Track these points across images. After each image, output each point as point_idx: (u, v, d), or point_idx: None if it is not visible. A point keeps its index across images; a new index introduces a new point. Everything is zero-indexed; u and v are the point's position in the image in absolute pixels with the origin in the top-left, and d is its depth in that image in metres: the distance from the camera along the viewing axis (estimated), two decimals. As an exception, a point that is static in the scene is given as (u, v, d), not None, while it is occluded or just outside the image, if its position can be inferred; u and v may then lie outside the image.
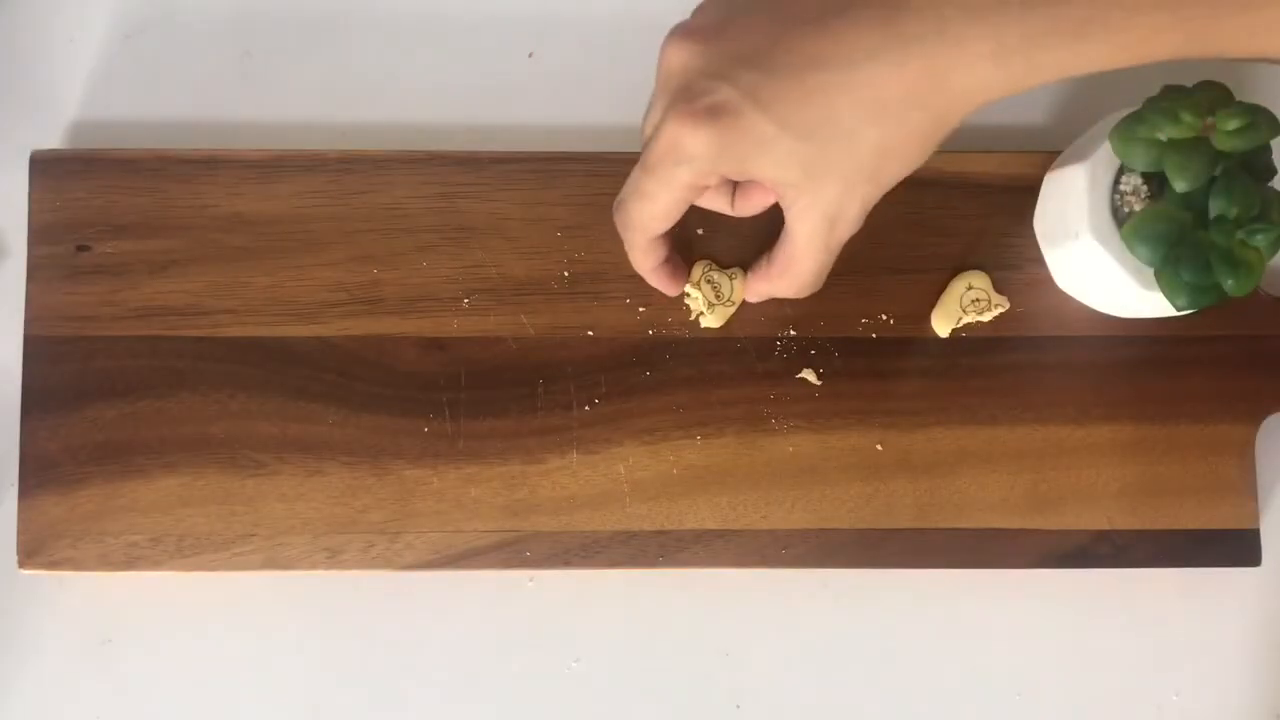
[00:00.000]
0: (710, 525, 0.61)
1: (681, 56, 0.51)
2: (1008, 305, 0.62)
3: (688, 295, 0.62)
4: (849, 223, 0.53)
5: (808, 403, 0.62)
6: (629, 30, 0.66)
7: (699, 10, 0.53)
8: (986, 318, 0.62)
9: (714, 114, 0.50)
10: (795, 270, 0.55)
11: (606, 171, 0.63)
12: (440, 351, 0.62)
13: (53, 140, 0.64)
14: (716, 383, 0.62)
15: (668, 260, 0.59)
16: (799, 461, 0.61)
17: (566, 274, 0.62)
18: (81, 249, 0.62)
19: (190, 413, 0.61)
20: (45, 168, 0.62)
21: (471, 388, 0.61)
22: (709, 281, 0.61)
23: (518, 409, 0.61)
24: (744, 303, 0.62)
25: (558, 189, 0.63)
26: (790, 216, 0.53)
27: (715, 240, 0.63)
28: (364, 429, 0.61)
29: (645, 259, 0.58)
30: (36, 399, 0.61)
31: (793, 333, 0.62)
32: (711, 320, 0.62)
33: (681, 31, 0.52)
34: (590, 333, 0.62)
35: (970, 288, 0.62)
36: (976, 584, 0.63)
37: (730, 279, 0.61)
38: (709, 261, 0.62)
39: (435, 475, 0.61)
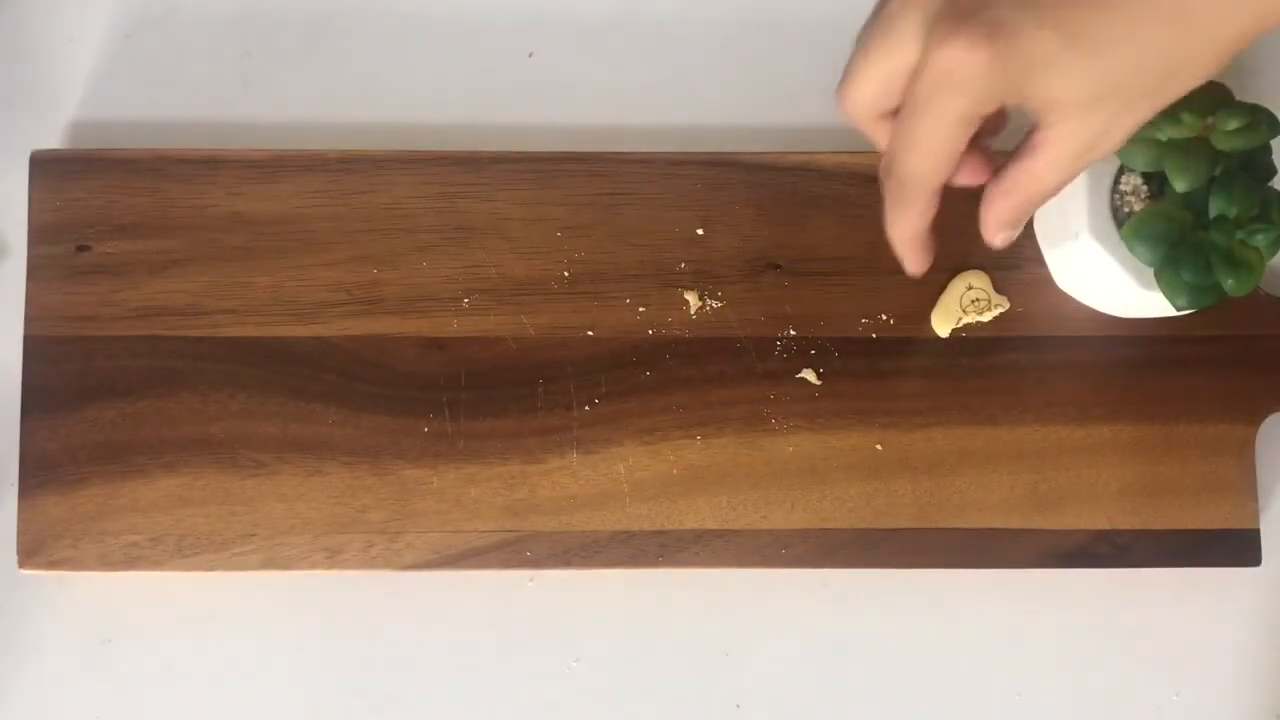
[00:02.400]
0: (710, 525, 0.61)
1: None
2: (1008, 305, 0.62)
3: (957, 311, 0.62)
4: (1110, 146, 0.48)
5: (808, 403, 0.62)
6: (629, 30, 0.66)
7: None
8: (986, 318, 0.62)
9: (993, 34, 0.44)
10: (1030, 188, 0.49)
11: (606, 171, 0.63)
12: (440, 351, 0.62)
13: (53, 140, 0.64)
14: (716, 383, 0.62)
15: (930, 229, 0.51)
16: (799, 461, 0.61)
17: (566, 274, 0.62)
18: (81, 249, 0.62)
19: (190, 413, 0.61)
20: (45, 168, 0.62)
21: (471, 388, 0.61)
22: (975, 300, 0.62)
23: (518, 409, 0.61)
24: (740, 300, 0.62)
25: (558, 189, 0.63)
26: (1048, 136, 0.47)
27: (716, 238, 0.63)
28: (364, 429, 0.61)
29: (919, 219, 0.51)
30: (36, 399, 0.61)
31: (793, 333, 0.62)
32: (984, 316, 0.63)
33: None
34: (590, 333, 0.62)
35: (970, 288, 0.62)
36: (976, 584, 0.63)
37: (985, 288, 0.62)
38: (966, 279, 0.62)
39: (435, 475, 0.61)
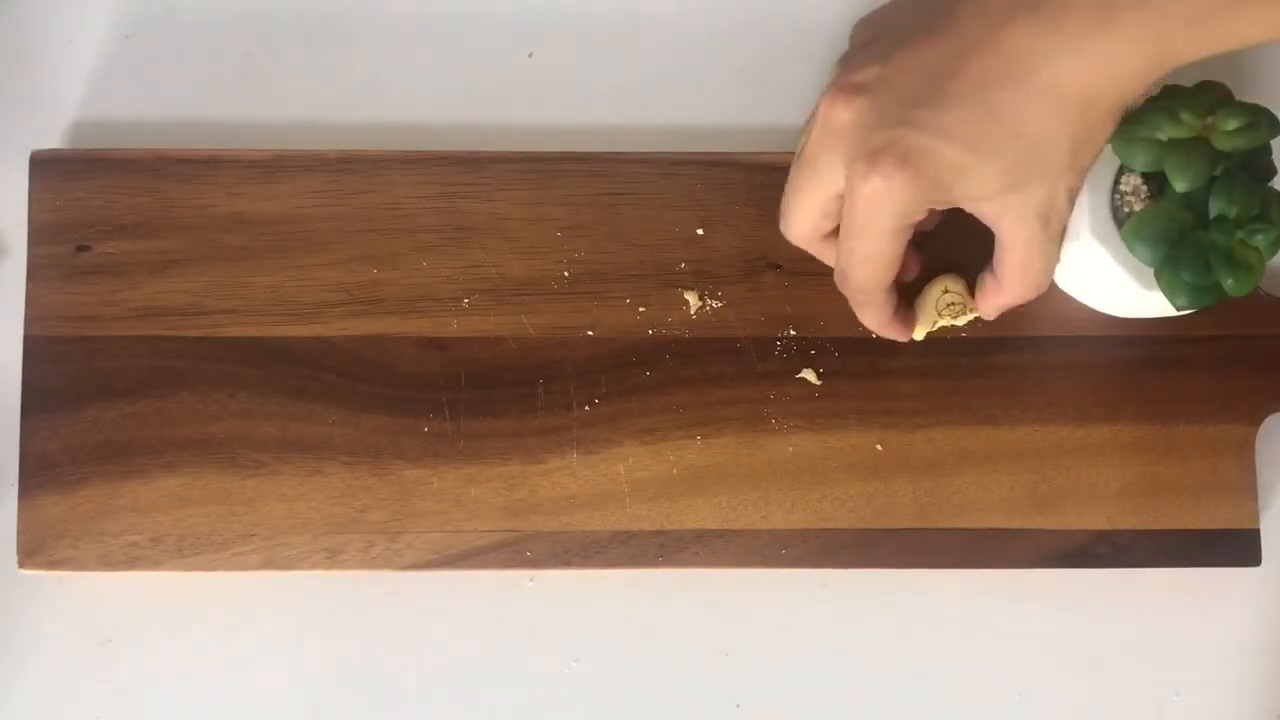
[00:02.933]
0: (710, 525, 0.61)
1: (849, 115, 0.53)
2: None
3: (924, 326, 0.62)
4: (1061, 215, 0.54)
5: (808, 403, 0.62)
6: (629, 30, 0.66)
7: (848, 65, 0.55)
8: (961, 322, 0.61)
9: (904, 161, 0.51)
10: (1026, 275, 0.55)
11: (606, 171, 0.63)
12: (440, 351, 0.62)
13: (53, 140, 0.64)
14: (716, 383, 0.62)
15: (898, 309, 0.59)
16: (799, 461, 0.61)
17: (566, 274, 0.62)
18: (81, 249, 0.62)
19: (190, 413, 0.61)
20: (45, 168, 0.62)
21: (471, 388, 0.61)
22: (951, 304, 0.61)
23: (518, 409, 0.61)
24: (740, 300, 0.62)
25: (558, 189, 0.63)
26: (1003, 228, 0.54)
27: (716, 238, 0.63)
28: (364, 429, 0.61)
29: (881, 313, 0.58)
30: (36, 399, 0.61)
31: (793, 333, 0.62)
32: (959, 321, 0.62)
33: (842, 90, 0.53)
34: (590, 333, 0.62)
35: (946, 291, 0.61)
36: (977, 584, 0.63)
37: (960, 292, 0.61)
38: (941, 283, 0.61)
39: (435, 475, 0.61)
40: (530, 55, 0.66)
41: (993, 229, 0.54)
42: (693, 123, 0.65)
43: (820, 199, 0.55)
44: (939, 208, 0.53)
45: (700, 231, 0.63)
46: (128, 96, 0.65)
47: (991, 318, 0.60)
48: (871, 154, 0.52)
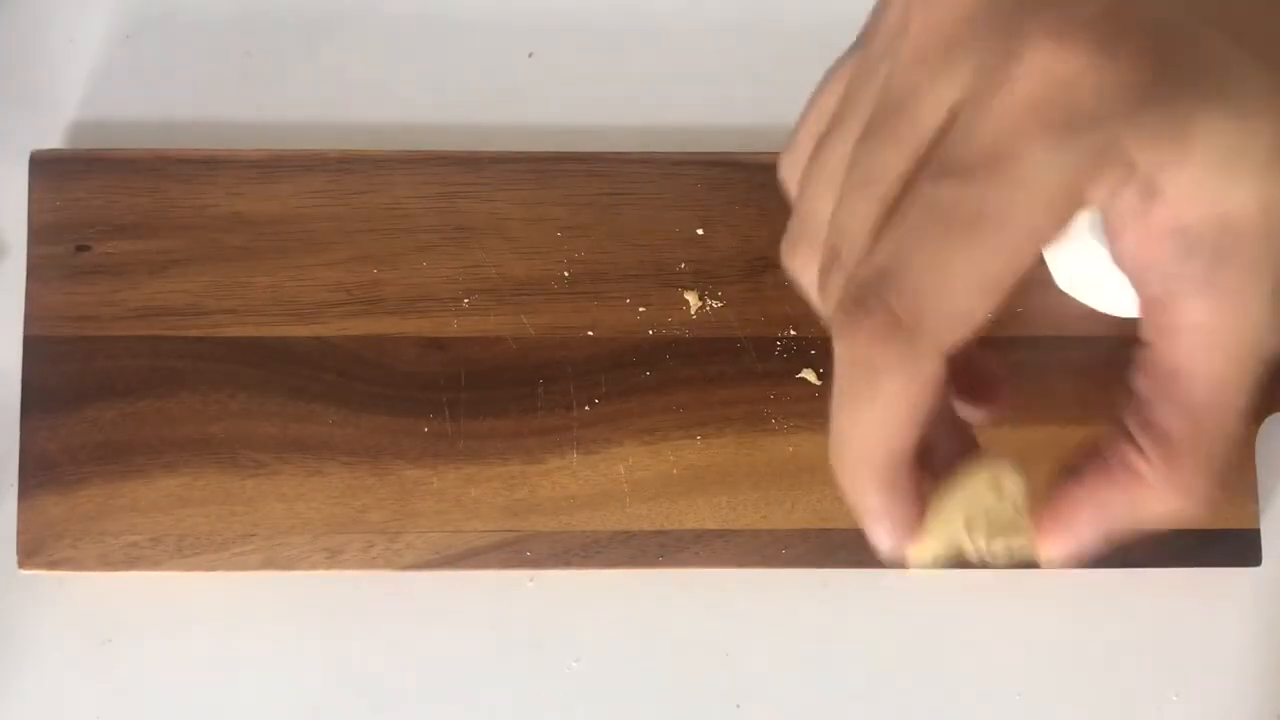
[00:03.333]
0: (710, 525, 0.61)
1: None
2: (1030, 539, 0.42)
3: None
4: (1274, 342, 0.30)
5: (808, 403, 0.62)
6: (629, 30, 0.66)
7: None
8: (999, 553, 0.38)
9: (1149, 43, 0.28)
10: (1198, 450, 0.31)
11: (606, 171, 0.63)
12: (440, 351, 0.62)
13: (52, 140, 0.64)
14: (717, 383, 0.62)
15: (912, 495, 0.34)
16: (799, 461, 0.61)
17: (566, 274, 0.62)
18: (81, 249, 0.62)
19: (190, 413, 0.61)
20: (45, 167, 0.62)
21: (471, 388, 0.61)
22: (998, 520, 0.35)
23: (518, 409, 0.61)
24: (740, 300, 0.62)
25: (558, 189, 0.63)
26: (1178, 346, 0.31)
27: (716, 238, 0.63)
28: (364, 429, 0.61)
29: (892, 496, 0.34)
30: (36, 399, 0.60)
31: (793, 333, 0.62)
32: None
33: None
34: (590, 333, 0.62)
35: (996, 489, 0.38)
36: (976, 584, 0.63)
37: (1019, 496, 0.36)
38: (990, 475, 0.36)
39: (435, 475, 0.61)
40: (530, 55, 0.66)
41: (1153, 352, 0.32)
42: (693, 123, 0.65)
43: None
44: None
45: (700, 231, 0.63)
46: (128, 96, 0.65)
47: (1063, 556, 0.34)
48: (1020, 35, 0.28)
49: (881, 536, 0.34)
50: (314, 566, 0.60)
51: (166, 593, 0.62)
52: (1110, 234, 0.31)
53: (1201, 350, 0.30)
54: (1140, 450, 0.32)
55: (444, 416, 0.61)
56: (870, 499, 0.33)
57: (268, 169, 0.62)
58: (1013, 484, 0.36)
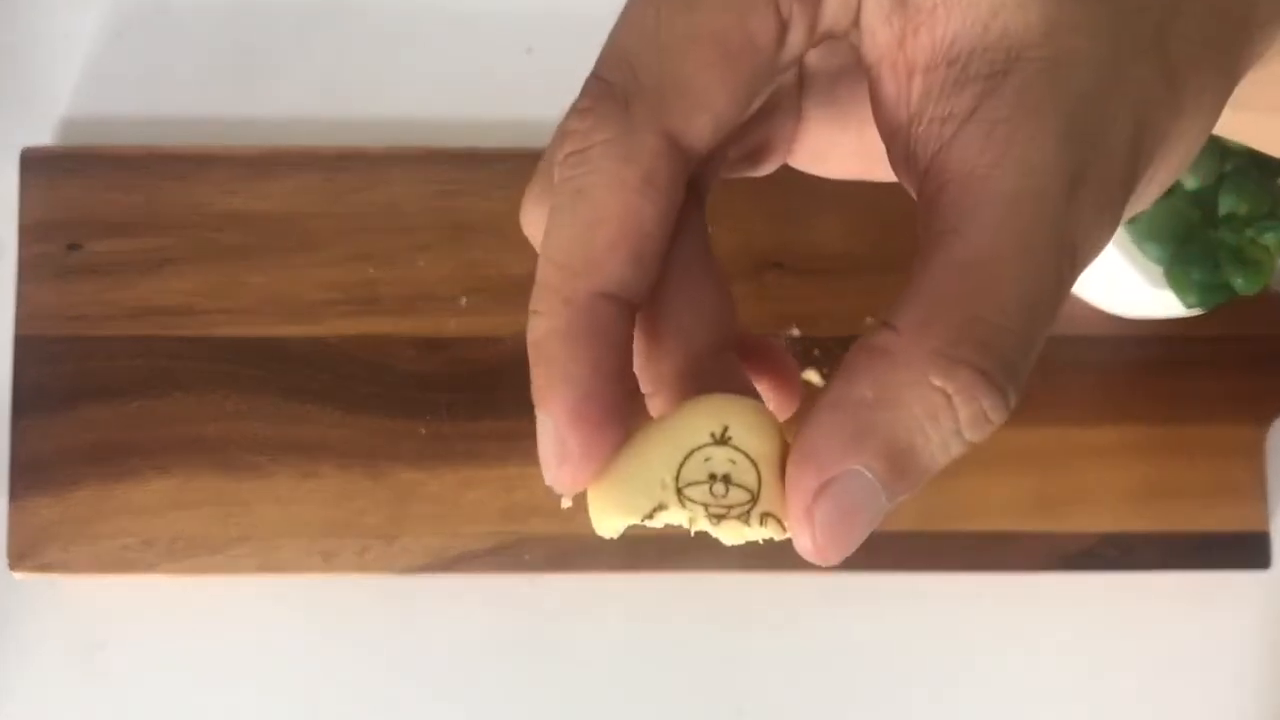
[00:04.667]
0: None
1: None
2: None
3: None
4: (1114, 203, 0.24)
5: (811, 404, 0.61)
6: (629, 25, 0.65)
7: None
8: (730, 533, 0.31)
9: None
10: (965, 319, 0.24)
11: (606, 169, 0.62)
12: (437, 352, 0.61)
13: (44, 137, 0.63)
14: (718, 383, 0.61)
15: (600, 414, 0.26)
16: (801, 463, 0.61)
17: (565, 273, 0.62)
18: (73, 248, 0.61)
19: (184, 414, 0.60)
20: (37, 165, 0.61)
21: (469, 388, 0.61)
22: (716, 473, 0.27)
23: (516, 410, 0.60)
24: (742, 300, 0.61)
25: (556, 186, 0.62)
26: (944, 203, 0.24)
27: (718, 237, 0.62)
28: (360, 430, 0.60)
29: (565, 395, 0.26)
30: (28, 400, 0.60)
31: (796, 333, 0.62)
32: (728, 535, 0.28)
33: None
34: (589, 332, 0.61)
35: (722, 436, 0.29)
36: (980, 587, 0.62)
37: (752, 450, 0.27)
38: (712, 407, 0.27)
39: (432, 477, 0.60)
40: (529, 51, 0.65)
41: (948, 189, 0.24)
42: (693, 119, 0.65)
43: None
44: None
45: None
46: (120, 93, 0.64)
47: (808, 541, 0.27)
48: None
49: (546, 442, 0.26)
50: (309, 570, 0.60)
51: (160, 596, 0.61)
52: (871, 90, 0.25)
53: (971, 200, 0.22)
54: (893, 327, 0.24)
55: (441, 417, 0.60)
56: (548, 348, 0.25)
57: (262, 166, 0.62)
58: (750, 431, 0.26)
